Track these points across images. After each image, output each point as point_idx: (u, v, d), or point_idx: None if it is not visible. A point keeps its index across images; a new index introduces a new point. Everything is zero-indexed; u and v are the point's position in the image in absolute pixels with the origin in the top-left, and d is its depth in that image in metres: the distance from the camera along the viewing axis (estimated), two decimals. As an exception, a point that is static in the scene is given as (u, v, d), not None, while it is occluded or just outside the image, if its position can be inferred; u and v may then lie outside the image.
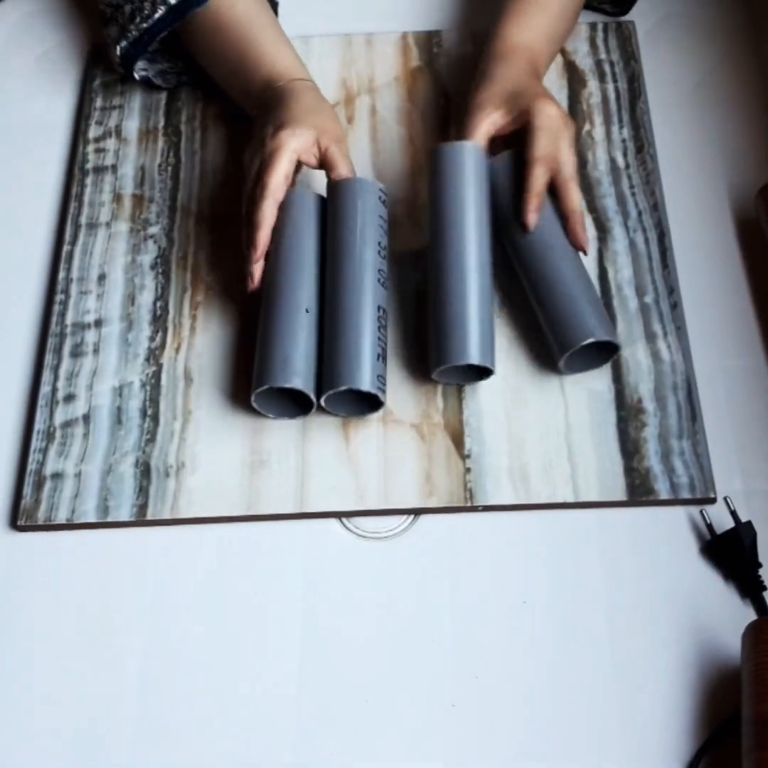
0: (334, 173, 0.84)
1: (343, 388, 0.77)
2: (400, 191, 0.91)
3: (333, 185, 0.84)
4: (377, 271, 0.81)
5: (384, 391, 0.78)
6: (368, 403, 0.79)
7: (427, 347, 0.80)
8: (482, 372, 0.79)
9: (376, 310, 0.79)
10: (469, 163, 0.83)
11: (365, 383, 0.77)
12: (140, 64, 0.95)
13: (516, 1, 0.91)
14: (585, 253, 0.83)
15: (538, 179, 0.81)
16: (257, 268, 0.81)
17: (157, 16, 0.91)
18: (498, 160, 0.85)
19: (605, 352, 0.80)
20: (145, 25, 0.92)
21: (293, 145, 0.82)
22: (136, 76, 0.96)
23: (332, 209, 0.83)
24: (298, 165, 0.85)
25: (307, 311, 0.79)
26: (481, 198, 0.82)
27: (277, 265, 0.81)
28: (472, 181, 0.82)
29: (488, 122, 0.85)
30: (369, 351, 0.78)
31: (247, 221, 0.83)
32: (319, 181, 0.88)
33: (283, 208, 0.82)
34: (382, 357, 0.78)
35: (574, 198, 0.83)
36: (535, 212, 0.81)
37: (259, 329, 0.80)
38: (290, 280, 0.80)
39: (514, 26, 0.90)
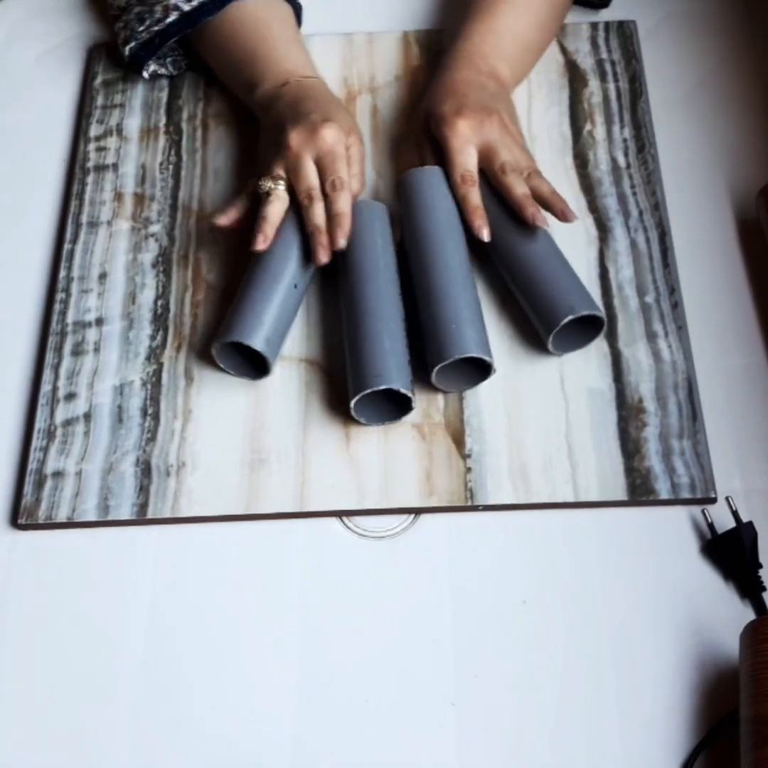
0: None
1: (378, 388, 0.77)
2: (401, 190, 0.91)
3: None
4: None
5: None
6: (398, 410, 0.79)
7: (423, 355, 0.80)
8: (482, 370, 0.80)
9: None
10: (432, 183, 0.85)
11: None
12: (150, 64, 0.96)
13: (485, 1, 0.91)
14: (545, 225, 0.82)
15: (468, 197, 0.83)
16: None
17: (169, 20, 0.92)
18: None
19: (591, 329, 0.80)
20: (156, 28, 0.93)
21: (343, 140, 0.84)
22: (145, 75, 0.97)
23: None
24: None
25: (295, 287, 0.82)
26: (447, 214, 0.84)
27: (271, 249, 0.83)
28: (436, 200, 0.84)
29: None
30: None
31: (311, 211, 0.83)
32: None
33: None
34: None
35: (513, 188, 0.83)
36: (483, 225, 0.82)
37: (249, 288, 0.81)
38: (282, 259, 0.82)
39: (480, 24, 0.91)
